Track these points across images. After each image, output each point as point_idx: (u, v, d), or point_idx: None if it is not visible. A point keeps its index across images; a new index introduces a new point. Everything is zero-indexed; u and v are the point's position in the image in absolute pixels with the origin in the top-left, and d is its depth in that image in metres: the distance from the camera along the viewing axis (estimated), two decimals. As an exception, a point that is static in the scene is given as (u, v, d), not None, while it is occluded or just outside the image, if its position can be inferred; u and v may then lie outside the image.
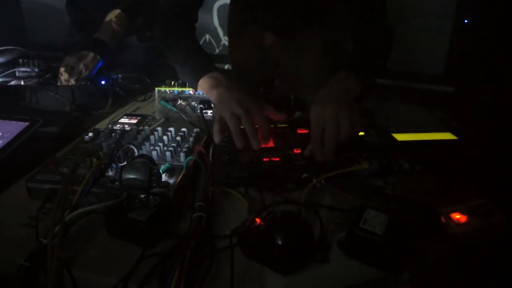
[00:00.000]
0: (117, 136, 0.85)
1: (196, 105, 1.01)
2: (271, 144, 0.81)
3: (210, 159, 0.76)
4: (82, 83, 1.11)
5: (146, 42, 1.50)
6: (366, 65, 0.93)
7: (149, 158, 0.65)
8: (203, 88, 0.95)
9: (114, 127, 0.94)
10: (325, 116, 0.76)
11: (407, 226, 0.51)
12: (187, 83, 1.01)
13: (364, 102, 0.92)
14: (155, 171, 0.61)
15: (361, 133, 0.82)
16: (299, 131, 0.86)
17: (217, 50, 1.81)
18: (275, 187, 0.70)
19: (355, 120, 0.76)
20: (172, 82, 1.03)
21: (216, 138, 0.81)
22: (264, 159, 0.76)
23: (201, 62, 0.98)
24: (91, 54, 1.21)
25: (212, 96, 0.91)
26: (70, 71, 1.16)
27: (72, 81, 1.16)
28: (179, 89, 1.02)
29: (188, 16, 1.09)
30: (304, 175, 0.71)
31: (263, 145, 0.80)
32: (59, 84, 1.17)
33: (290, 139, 0.83)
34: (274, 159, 0.76)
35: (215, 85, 0.91)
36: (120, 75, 1.20)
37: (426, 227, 0.56)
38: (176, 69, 1.02)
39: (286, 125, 0.90)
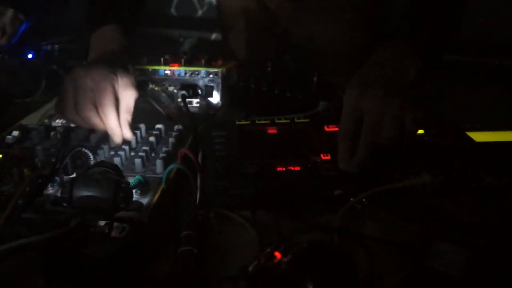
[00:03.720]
0: (58, 135, 0.86)
1: (175, 91, 1.02)
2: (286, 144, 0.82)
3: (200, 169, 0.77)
4: (-3, 56, 1.12)
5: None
6: (427, 31, 0.92)
7: (113, 166, 0.65)
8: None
9: (53, 123, 0.95)
10: (364, 106, 0.77)
11: (497, 266, 0.52)
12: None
13: (425, 87, 0.93)
14: (123, 185, 0.61)
15: (420, 131, 0.84)
16: (326, 128, 0.88)
17: (199, 12, 1.81)
18: (294, 208, 0.71)
19: (409, 114, 0.77)
20: (139, 57, 1.05)
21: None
22: (279, 168, 0.77)
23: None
24: (10, 12, 1.19)
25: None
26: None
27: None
28: (150, 68, 1.03)
29: None
30: (337, 192, 0.72)
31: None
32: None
33: (315, 140, 0.85)
34: (292, 168, 0.77)
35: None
36: (56, 46, 1.21)
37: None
38: None
39: (307, 120, 0.91)
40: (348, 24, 1.20)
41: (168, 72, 1.03)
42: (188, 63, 1.05)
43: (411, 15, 0.95)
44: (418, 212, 0.70)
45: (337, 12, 1.20)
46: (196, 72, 1.03)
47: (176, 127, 0.89)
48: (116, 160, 0.76)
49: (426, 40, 0.90)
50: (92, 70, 0.84)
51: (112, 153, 0.79)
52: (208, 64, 1.05)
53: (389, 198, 0.71)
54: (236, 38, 1.30)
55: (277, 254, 0.51)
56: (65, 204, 0.62)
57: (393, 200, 0.72)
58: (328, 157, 0.79)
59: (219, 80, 1.02)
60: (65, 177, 0.73)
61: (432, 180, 0.72)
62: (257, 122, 0.90)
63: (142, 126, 0.87)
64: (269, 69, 1.15)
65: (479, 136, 0.86)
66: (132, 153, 0.81)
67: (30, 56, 1.16)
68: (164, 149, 0.81)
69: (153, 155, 0.81)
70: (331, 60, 1.20)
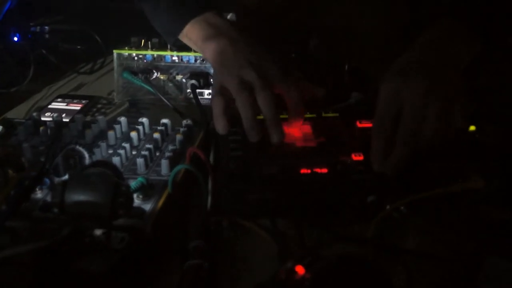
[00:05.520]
0: (49, 131, 0.87)
1: (184, 80, 1.03)
2: (311, 142, 0.83)
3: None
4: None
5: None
6: (486, 9, 0.90)
7: (111, 167, 0.66)
8: (192, 39, 0.97)
9: (42, 117, 0.96)
10: (404, 97, 0.77)
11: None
12: (164, 35, 1.02)
13: (480, 77, 0.93)
14: (123, 189, 0.62)
15: (472, 128, 0.83)
16: (359, 124, 0.87)
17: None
18: (321, 216, 0.71)
19: (457, 107, 0.76)
20: (142, 41, 1.06)
21: (219, 125, 0.83)
22: (303, 171, 0.76)
23: None
24: None
25: (209, 52, 0.93)
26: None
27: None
28: (155, 53, 1.04)
29: None
30: (371, 198, 0.72)
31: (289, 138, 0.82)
32: None
33: (345, 138, 0.84)
34: (319, 170, 0.77)
35: (212, 34, 0.93)
36: (47, 27, 1.22)
37: None
38: (144, 9, 1.02)
39: (337, 114, 0.91)
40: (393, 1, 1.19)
41: (175, 58, 1.03)
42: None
43: None
44: (468, 223, 0.69)
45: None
46: (208, 59, 1.03)
47: (184, 122, 0.89)
48: (115, 160, 0.77)
49: (484, 21, 0.88)
50: (244, 52, 0.88)
51: (111, 151, 0.80)
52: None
53: (432, 206, 0.71)
54: (254, 19, 1.30)
55: (299, 269, 0.50)
56: (55, 210, 0.63)
57: (437, 209, 0.71)
58: (361, 158, 0.78)
59: (234, 68, 1.02)
60: (56, 179, 0.73)
61: (485, 185, 0.71)
62: None
63: (145, 120, 0.88)
64: (293, 55, 1.14)
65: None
66: (134, 152, 0.81)
67: (16, 39, 1.17)
68: (170, 147, 0.81)
69: (157, 154, 0.81)
70: (366, 44, 1.19)
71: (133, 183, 0.70)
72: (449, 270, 0.61)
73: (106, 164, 0.67)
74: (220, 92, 0.85)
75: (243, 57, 0.87)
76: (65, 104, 1.05)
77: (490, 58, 0.90)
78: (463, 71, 0.82)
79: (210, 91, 1.02)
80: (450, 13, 0.89)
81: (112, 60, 1.07)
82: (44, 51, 1.18)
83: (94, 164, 0.67)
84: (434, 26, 0.88)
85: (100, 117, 0.90)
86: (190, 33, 0.96)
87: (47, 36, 1.21)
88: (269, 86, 0.83)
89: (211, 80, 1.02)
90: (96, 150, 0.80)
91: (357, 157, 0.79)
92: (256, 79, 0.83)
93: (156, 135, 0.84)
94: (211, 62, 0.94)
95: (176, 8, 0.98)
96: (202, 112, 0.92)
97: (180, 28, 0.96)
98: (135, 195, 0.69)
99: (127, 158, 0.80)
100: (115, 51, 1.05)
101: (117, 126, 0.86)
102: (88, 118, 0.92)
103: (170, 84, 1.04)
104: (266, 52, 0.90)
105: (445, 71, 0.80)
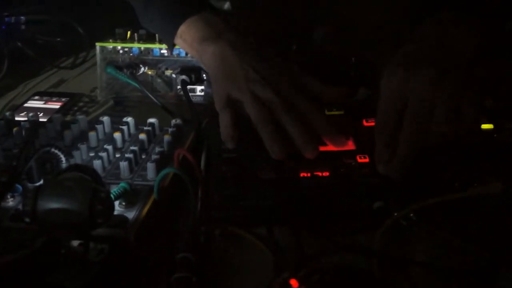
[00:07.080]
0: (23, 132, 0.87)
1: (174, 75, 1.03)
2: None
3: (203, 174, 0.77)
4: None
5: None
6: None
7: (90, 171, 0.65)
8: (186, 40, 0.96)
9: (16, 117, 0.96)
10: (409, 90, 0.77)
11: None
12: (157, 35, 1.02)
13: (494, 67, 0.92)
14: (101, 195, 0.61)
15: (488, 126, 0.82)
16: (365, 123, 0.87)
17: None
18: (322, 224, 0.70)
19: (469, 102, 0.76)
20: (128, 33, 1.05)
21: (229, 138, 0.82)
22: (302, 174, 0.76)
23: None
24: None
25: (206, 56, 0.92)
26: None
27: None
28: (142, 46, 1.04)
29: None
30: (377, 204, 0.71)
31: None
32: None
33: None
34: (320, 173, 0.76)
35: (211, 35, 0.92)
36: (23, 17, 1.22)
37: None
38: (134, 7, 1.03)
39: (341, 111, 0.90)
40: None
41: (164, 51, 1.03)
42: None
43: None
44: (484, 231, 0.68)
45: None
46: (201, 52, 1.03)
47: (173, 121, 0.89)
48: (97, 164, 0.77)
49: (488, 11, 0.88)
50: (248, 58, 0.88)
51: (92, 154, 0.80)
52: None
53: (445, 213, 0.70)
54: (251, 8, 1.30)
55: (293, 283, 0.50)
56: (27, 220, 0.62)
57: (450, 216, 0.70)
58: (366, 160, 0.78)
59: (229, 62, 1.02)
60: (30, 185, 0.73)
61: (503, 189, 0.70)
62: None
63: (130, 120, 0.88)
64: (294, 47, 1.14)
65: None
66: (117, 155, 0.81)
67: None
68: (157, 149, 0.81)
69: (143, 157, 0.81)
70: (374, 35, 1.19)
71: (114, 189, 0.70)
72: (460, 284, 0.61)
73: (83, 168, 0.66)
74: (228, 104, 0.84)
75: (249, 66, 0.86)
76: (43, 102, 1.05)
77: (497, 49, 0.90)
78: (470, 62, 0.82)
79: (202, 87, 1.02)
80: (455, 3, 0.89)
81: (95, 54, 1.06)
82: (20, 44, 1.18)
83: (70, 168, 0.66)
84: (438, 15, 0.89)
85: (80, 117, 0.90)
86: (185, 34, 0.96)
87: (23, 27, 1.21)
88: (289, 103, 0.83)
89: (204, 75, 1.02)
90: (76, 153, 0.80)
91: (362, 159, 0.79)
92: (275, 100, 0.83)
93: (142, 136, 0.84)
94: (209, 67, 0.93)
95: (170, 6, 0.98)
96: (193, 110, 0.92)
97: (175, 28, 0.96)
98: (117, 202, 0.69)
99: (109, 161, 0.80)
100: (98, 44, 1.05)
101: (99, 127, 0.86)
102: (68, 118, 0.92)
103: (159, 80, 1.04)
104: (268, 53, 0.90)
105: (451, 62, 0.80)
